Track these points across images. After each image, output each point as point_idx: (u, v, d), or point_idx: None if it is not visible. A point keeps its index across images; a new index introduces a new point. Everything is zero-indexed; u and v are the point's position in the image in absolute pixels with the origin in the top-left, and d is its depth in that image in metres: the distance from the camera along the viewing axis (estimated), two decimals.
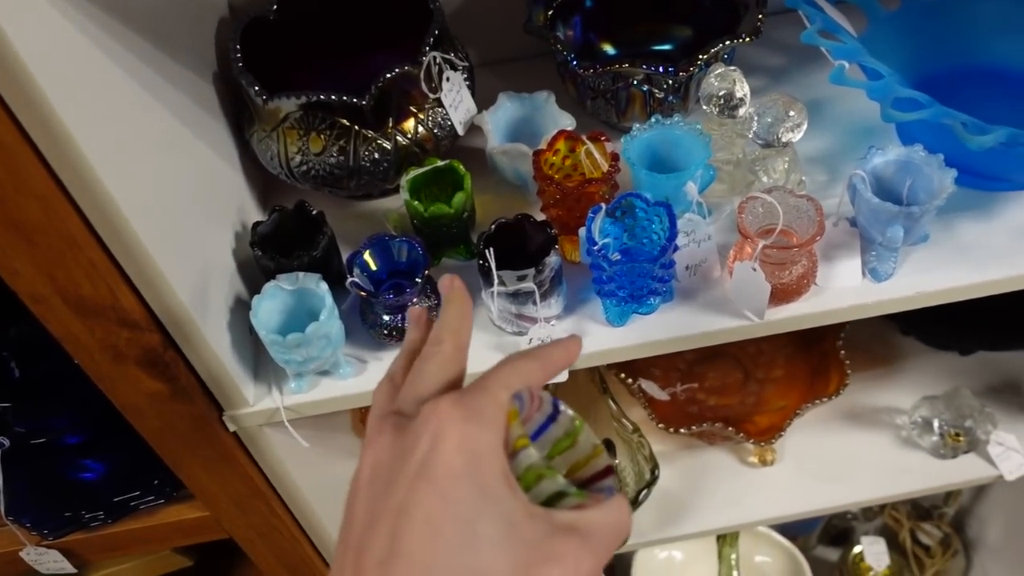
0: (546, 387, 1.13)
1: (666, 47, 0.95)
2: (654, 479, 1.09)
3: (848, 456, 1.18)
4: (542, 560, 0.38)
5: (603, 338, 0.77)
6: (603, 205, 0.73)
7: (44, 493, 0.84)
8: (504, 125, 0.86)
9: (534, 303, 0.73)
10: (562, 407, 0.45)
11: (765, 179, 0.79)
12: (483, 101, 0.87)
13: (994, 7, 0.88)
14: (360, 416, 1.21)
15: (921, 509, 1.62)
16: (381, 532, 0.39)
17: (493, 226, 0.75)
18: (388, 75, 0.77)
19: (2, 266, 0.57)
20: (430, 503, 0.38)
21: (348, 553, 0.40)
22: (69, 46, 0.56)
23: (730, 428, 1.10)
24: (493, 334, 0.78)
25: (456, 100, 0.83)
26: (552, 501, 0.41)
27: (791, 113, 0.75)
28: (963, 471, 1.15)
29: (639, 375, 1.18)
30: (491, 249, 0.72)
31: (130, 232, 0.58)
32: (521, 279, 0.72)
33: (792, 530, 1.58)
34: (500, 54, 0.99)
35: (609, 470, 0.44)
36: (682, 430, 1.11)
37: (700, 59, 0.80)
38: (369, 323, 0.77)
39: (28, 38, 0.50)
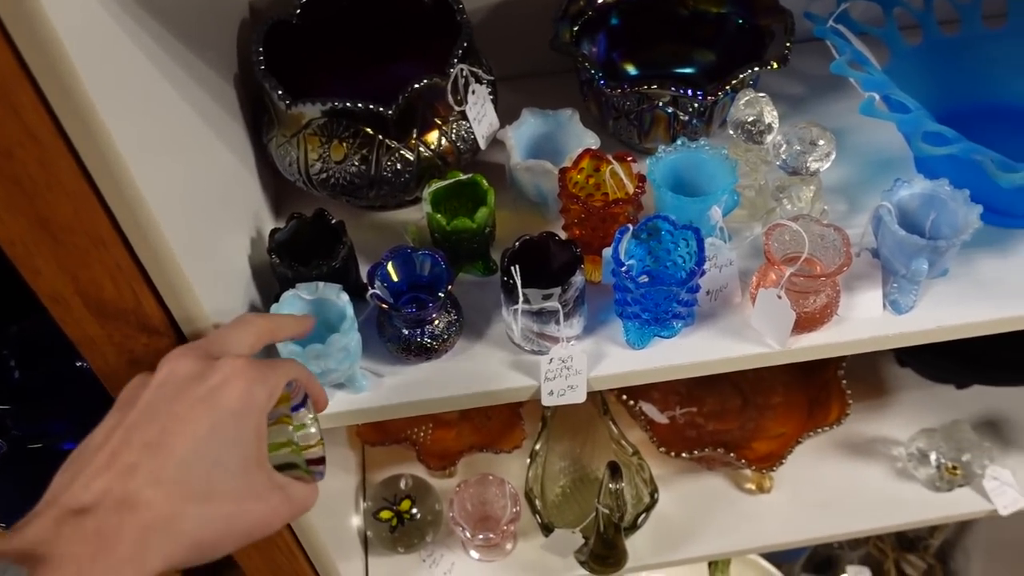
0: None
1: (688, 70, 0.95)
2: (653, 503, 1.08)
3: (844, 486, 1.18)
4: (254, 496, 0.53)
5: (623, 360, 0.76)
6: (630, 226, 0.72)
7: (38, 499, 0.82)
8: (526, 141, 0.85)
9: (557, 322, 0.72)
10: (308, 401, 0.61)
11: (789, 207, 0.79)
12: (503, 115, 0.86)
13: (1014, 46, 0.89)
14: (356, 428, 1.19)
15: (906, 540, 1.62)
16: (156, 424, 0.51)
17: (517, 243, 0.74)
18: (416, 85, 0.76)
19: (24, 264, 0.55)
20: (202, 421, 0.51)
21: (119, 428, 0.51)
22: (106, 36, 0.54)
23: (731, 454, 1.10)
24: (512, 352, 0.77)
25: (480, 114, 0.82)
26: (283, 467, 0.57)
27: (820, 142, 0.75)
28: (958, 505, 1.16)
29: (640, 397, 1.17)
30: (517, 266, 0.71)
31: (158, 234, 0.56)
32: (546, 298, 0.71)
33: (778, 557, 1.57)
34: (521, 68, 0.99)
35: (323, 460, 0.61)
36: (683, 455, 1.11)
37: (729, 84, 0.80)
38: (387, 336, 0.75)
39: (68, 24, 0.48)
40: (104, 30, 0.53)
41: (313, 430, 0.60)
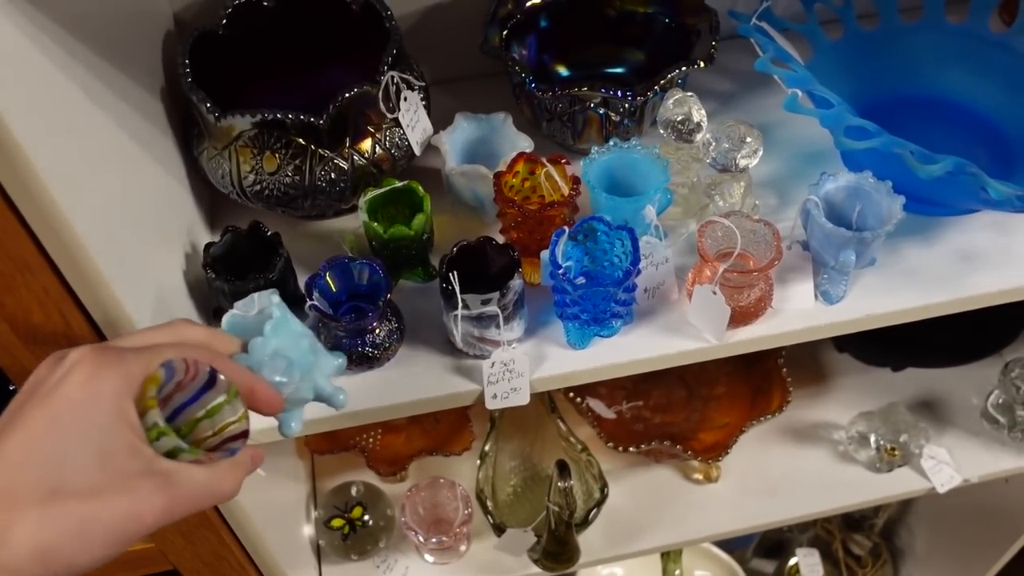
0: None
1: (619, 70, 0.96)
2: (603, 498, 1.10)
3: (789, 471, 1.21)
4: (119, 489, 0.46)
5: (565, 361, 0.77)
6: (566, 229, 0.73)
7: None
8: (460, 146, 0.86)
9: (497, 326, 0.73)
10: (220, 377, 0.52)
11: (721, 203, 0.80)
12: (436, 120, 0.86)
13: (931, 39, 0.92)
14: (304, 438, 1.18)
15: (852, 520, 1.66)
16: (2, 429, 0.47)
17: (455, 249, 0.74)
18: (346, 94, 0.75)
19: None
20: (38, 419, 0.46)
21: None
22: (21, 57, 0.53)
23: (677, 446, 1.11)
24: (455, 357, 0.77)
25: (413, 120, 0.82)
26: (173, 454, 0.49)
27: (748, 139, 0.77)
28: (898, 484, 1.19)
29: (586, 393, 1.18)
30: (455, 272, 0.71)
31: (86, 256, 0.56)
32: (485, 303, 0.71)
33: (730, 543, 1.60)
34: (452, 72, 0.99)
35: (244, 435, 0.52)
36: (631, 449, 1.12)
37: (657, 84, 0.81)
38: (328, 347, 0.75)
39: None
40: (13, 45, 0.52)
41: (228, 410, 0.53)
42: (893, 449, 1.17)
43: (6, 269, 0.54)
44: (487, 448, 1.14)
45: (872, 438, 1.18)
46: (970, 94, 0.92)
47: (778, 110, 0.81)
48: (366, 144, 0.80)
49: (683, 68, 0.82)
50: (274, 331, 0.60)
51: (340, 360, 0.64)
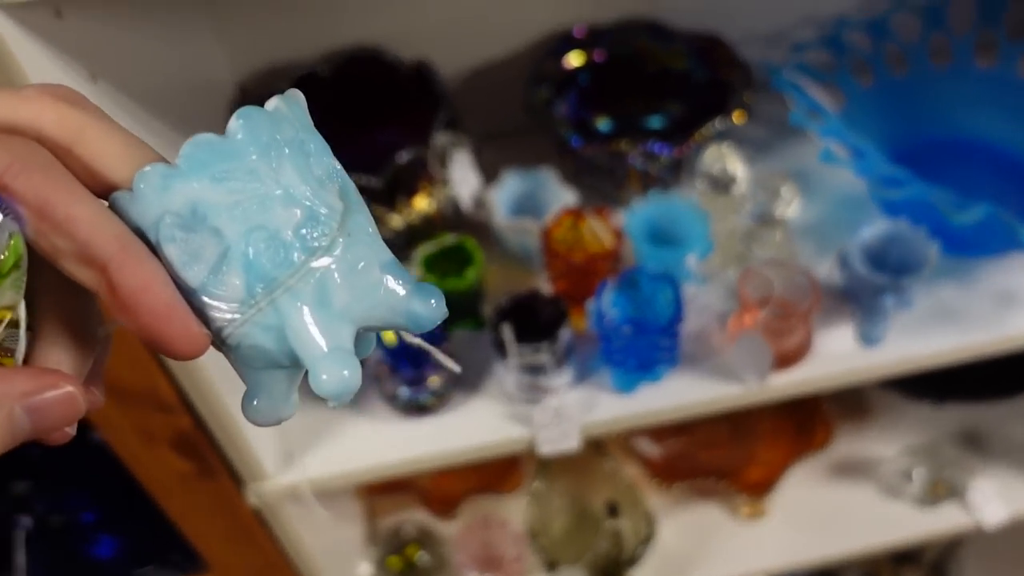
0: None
1: (659, 120, 1.00)
2: (651, 535, 1.12)
3: (835, 507, 1.22)
4: None
5: (614, 406, 0.80)
6: (610, 280, 0.77)
7: (63, 572, 0.85)
8: (508, 200, 0.90)
9: (547, 374, 0.77)
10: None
11: (759, 252, 0.83)
12: (484, 173, 0.90)
13: (961, 83, 0.95)
14: None
15: (901, 552, 1.66)
16: None
17: (506, 301, 0.78)
18: (401, 162, 0.80)
19: None
20: None
21: None
22: None
23: (723, 482, 1.14)
24: (506, 404, 0.81)
25: (463, 178, 0.87)
26: None
27: (783, 191, 0.80)
28: (945, 520, 1.19)
29: (632, 431, 1.21)
30: (508, 324, 0.75)
31: None
32: (536, 351, 0.75)
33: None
34: (497, 128, 1.03)
35: None
36: (678, 485, 1.14)
37: (694, 139, 0.85)
38: (387, 395, 0.79)
39: None
40: None
41: (12, 280, 0.25)
42: (939, 484, 1.17)
43: None
44: (537, 486, 1.17)
45: (918, 473, 1.19)
46: (1002, 136, 0.95)
47: (814, 156, 0.83)
48: (419, 201, 0.84)
49: (718, 122, 0.86)
50: (202, 160, 0.27)
51: (425, 300, 0.29)
